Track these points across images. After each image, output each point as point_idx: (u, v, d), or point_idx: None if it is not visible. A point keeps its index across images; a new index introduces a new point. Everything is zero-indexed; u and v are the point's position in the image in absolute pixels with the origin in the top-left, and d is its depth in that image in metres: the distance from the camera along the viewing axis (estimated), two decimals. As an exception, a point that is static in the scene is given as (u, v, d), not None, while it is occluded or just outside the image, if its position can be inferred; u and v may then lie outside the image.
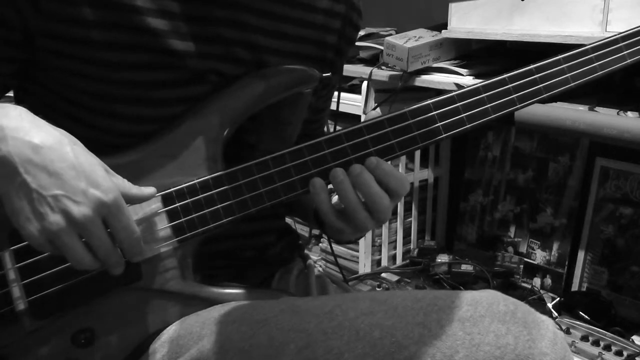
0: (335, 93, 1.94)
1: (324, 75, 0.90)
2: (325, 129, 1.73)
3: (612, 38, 0.89)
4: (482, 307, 0.69)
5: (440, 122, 0.84)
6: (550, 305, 1.68)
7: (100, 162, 0.72)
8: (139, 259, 0.76)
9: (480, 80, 0.87)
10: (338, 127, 0.88)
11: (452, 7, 1.66)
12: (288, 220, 1.10)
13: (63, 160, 0.69)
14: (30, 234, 0.68)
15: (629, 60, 0.89)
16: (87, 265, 0.71)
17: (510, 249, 1.92)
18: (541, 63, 0.87)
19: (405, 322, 0.69)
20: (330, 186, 0.81)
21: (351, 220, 0.81)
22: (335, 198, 0.83)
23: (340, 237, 0.93)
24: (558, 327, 1.40)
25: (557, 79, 0.87)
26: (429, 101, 0.84)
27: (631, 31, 0.89)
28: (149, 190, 0.77)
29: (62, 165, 0.69)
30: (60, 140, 0.70)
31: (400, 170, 1.99)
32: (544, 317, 0.71)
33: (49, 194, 0.68)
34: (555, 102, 1.41)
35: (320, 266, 2.16)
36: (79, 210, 0.68)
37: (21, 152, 0.68)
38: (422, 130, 0.84)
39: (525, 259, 1.88)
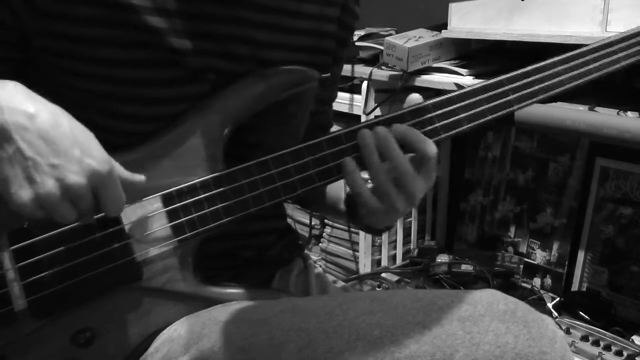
0: (344, 95, 1.95)
1: (322, 75, 0.90)
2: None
3: (607, 41, 0.90)
4: (481, 306, 0.69)
5: (438, 122, 0.85)
6: (550, 305, 1.69)
7: (94, 136, 0.72)
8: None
9: (480, 81, 0.87)
10: (338, 127, 0.88)
11: (452, 7, 1.66)
12: (288, 220, 1.10)
13: (58, 130, 0.69)
14: (22, 201, 0.68)
15: (623, 63, 0.90)
16: (68, 222, 0.71)
17: (510, 249, 1.92)
18: (538, 65, 0.88)
19: (405, 322, 0.69)
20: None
21: (382, 196, 0.81)
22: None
23: (373, 221, 0.91)
24: (558, 327, 1.40)
25: (554, 80, 0.88)
26: (428, 102, 0.85)
27: (626, 34, 0.91)
28: (139, 176, 0.77)
29: (58, 134, 0.69)
30: (55, 112, 0.70)
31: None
32: (544, 316, 0.71)
33: (44, 162, 0.68)
34: (555, 102, 1.41)
35: (320, 266, 2.16)
36: (74, 178, 0.68)
37: (17, 120, 0.68)
38: (420, 131, 0.84)
39: (525, 259, 1.88)
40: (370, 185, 0.82)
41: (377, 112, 1.84)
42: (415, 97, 0.81)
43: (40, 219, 0.70)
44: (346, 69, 1.99)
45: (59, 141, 0.69)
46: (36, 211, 0.69)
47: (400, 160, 0.80)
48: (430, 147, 0.81)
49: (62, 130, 0.69)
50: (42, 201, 0.68)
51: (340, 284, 1.11)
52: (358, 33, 2.06)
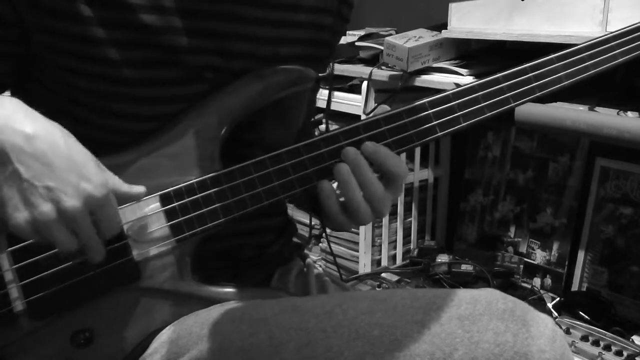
0: (341, 94, 1.95)
1: (320, 75, 0.90)
2: (324, 127, 1.74)
3: (605, 37, 0.90)
4: (481, 305, 0.69)
5: (435, 120, 0.85)
6: (550, 305, 1.68)
7: (92, 156, 0.72)
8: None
9: (476, 81, 0.87)
10: (335, 127, 0.88)
11: (452, 7, 1.66)
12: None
13: (55, 152, 0.69)
14: (18, 223, 0.68)
15: (620, 59, 0.90)
16: (70, 249, 0.71)
17: (510, 249, 1.92)
18: (535, 62, 0.88)
19: (405, 321, 0.69)
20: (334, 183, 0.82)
21: (353, 215, 0.82)
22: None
23: (340, 229, 0.93)
24: (558, 326, 1.40)
25: (551, 77, 0.87)
26: (425, 100, 0.85)
27: (624, 30, 0.90)
28: (138, 189, 0.77)
29: (55, 157, 0.69)
30: (53, 132, 0.70)
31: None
32: (543, 315, 0.71)
33: (40, 185, 0.68)
34: (555, 102, 1.41)
35: (320, 266, 2.16)
36: (70, 202, 0.68)
37: (14, 141, 0.67)
38: (418, 129, 0.84)
39: (525, 259, 1.88)
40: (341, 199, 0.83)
41: (377, 112, 1.84)
42: (384, 108, 0.81)
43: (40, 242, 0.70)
44: (345, 69, 1.99)
45: (56, 164, 0.68)
46: (33, 234, 0.69)
47: (369, 182, 0.81)
48: (399, 168, 0.82)
49: (60, 152, 0.69)
50: (38, 224, 0.68)
51: (340, 283, 1.11)
52: (358, 33, 2.06)
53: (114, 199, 0.72)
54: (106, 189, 0.71)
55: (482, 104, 0.85)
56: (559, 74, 0.87)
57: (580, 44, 0.89)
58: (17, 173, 0.67)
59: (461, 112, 0.85)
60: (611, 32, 0.90)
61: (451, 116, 0.85)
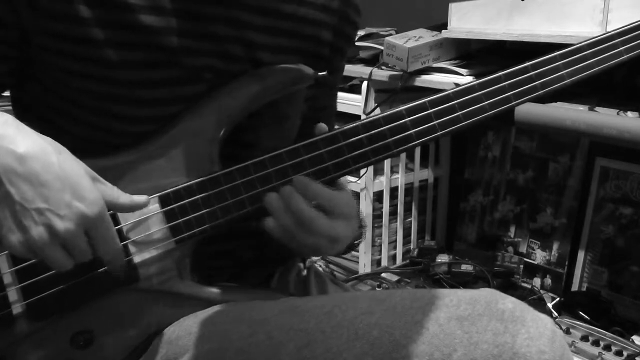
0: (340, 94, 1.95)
1: (319, 74, 0.90)
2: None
3: (608, 34, 0.89)
4: (480, 305, 0.69)
5: (436, 119, 0.84)
6: (550, 305, 1.69)
7: (87, 170, 0.72)
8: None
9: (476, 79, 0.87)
10: (335, 127, 0.87)
11: (452, 7, 1.66)
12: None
13: (48, 171, 0.68)
14: (12, 245, 0.68)
15: (625, 57, 0.89)
16: (67, 268, 0.71)
17: (510, 249, 1.92)
18: (537, 60, 0.87)
19: (404, 321, 0.69)
20: None
21: (302, 245, 0.79)
22: None
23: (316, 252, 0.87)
24: (558, 327, 1.40)
25: (553, 75, 0.87)
26: (425, 99, 0.84)
27: (627, 27, 0.89)
28: (140, 198, 0.76)
29: (47, 177, 0.68)
30: (46, 150, 0.69)
31: (400, 171, 2.00)
32: (542, 316, 0.71)
33: (32, 207, 0.67)
34: (555, 102, 1.41)
35: (320, 266, 2.16)
36: (63, 224, 0.68)
37: (5, 162, 0.67)
38: (418, 128, 0.84)
39: (525, 259, 1.88)
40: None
41: (377, 112, 1.84)
42: (321, 127, 0.80)
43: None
44: (345, 69, 1.99)
45: (48, 184, 0.68)
46: (28, 254, 0.69)
47: (302, 213, 0.76)
48: (342, 205, 0.79)
49: (52, 171, 0.68)
50: (31, 246, 0.68)
51: (339, 283, 1.11)
52: (358, 33, 2.06)
53: (109, 219, 0.72)
54: (100, 206, 0.70)
55: (483, 103, 0.85)
56: (561, 72, 0.87)
57: (583, 42, 0.88)
58: (9, 195, 0.67)
59: (462, 111, 0.85)
60: (614, 30, 0.89)
61: (452, 115, 0.84)
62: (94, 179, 0.72)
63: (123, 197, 0.75)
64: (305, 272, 1.05)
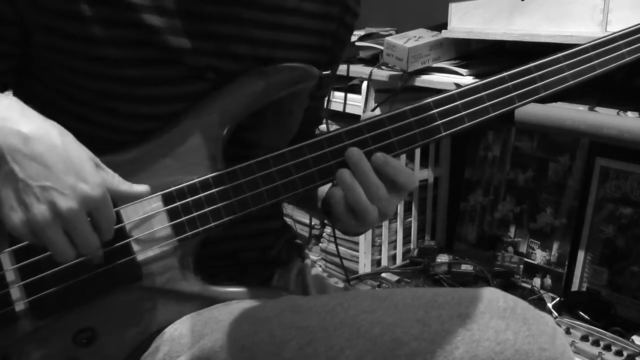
0: (342, 94, 1.96)
1: (324, 73, 0.91)
2: (325, 128, 1.74)
3: (611, 36, 0.89)
4: (481, 303, 0.70)
5: (440, 120, 0.84)
6: (550, 305, 1.68)
7: (90, 155, 0.72)
8: None
9: (480, 80, 0.87)
10: (336, 126, 0.88)
11: (452, 7, 1.66)
12: (288, 220, 1.10)
13: (52, 153, 0.69)
14: (14, 223, 0.68)
15: (628, 58, 0.89)
16: (68, 257, 0.71)
17: (510, 249, 1.92)
18: (540, 61, 0.87)
19: (406, 319, 0.69)
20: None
21: (360, 218, 0.83)
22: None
23: (347, 230, 0.93)
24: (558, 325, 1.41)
25: (556, 77, 0.87)
26: (429, 99, 0.85)
27: (630, 29, 0.90)
28: (140, 187, 0.77)
29: (51, 159, 0.68)
30: (50, 132, 0.70)
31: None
32: (543, 314, 0.71)
33: (36, 184, 0.67)
34: (555, 102, 1.41)
35: (320, 266, 2.16)
36: (66, 203, 0.68)
37: (9, 141, 0.67)
38: (422, 128, 0.84)
39: (525, 259, 1.88)
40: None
41: (377, 112, 1.84)
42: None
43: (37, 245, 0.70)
44: (343, 69, 1.99)
45: (52, 165, 0.68)
46: (29, 235, 0.69)
47: (374, 185, 0.81)
48: (410, 183, 0.83)
49: (57, 152, 0.69)
50: (33, 225, 0.68)
51: (340, 284, 1.12)
52: (358, 33, 2.06)
53: (110, 203, 0.72)
54: (103, 189, 0.70)
55: (487, 104, 0.85)
56: (565, 74, 0.87)
57: (586, 44, 0.89)
58: (13, 173, 0.67)
59: (466, 112, 0.85)
60: (617, 32, 0.90)
61: (456, 116, 0.85)
62: (97, 164, 0.72)
63: (124, 185, 0.75)
64: (303, 272, 1.05)
